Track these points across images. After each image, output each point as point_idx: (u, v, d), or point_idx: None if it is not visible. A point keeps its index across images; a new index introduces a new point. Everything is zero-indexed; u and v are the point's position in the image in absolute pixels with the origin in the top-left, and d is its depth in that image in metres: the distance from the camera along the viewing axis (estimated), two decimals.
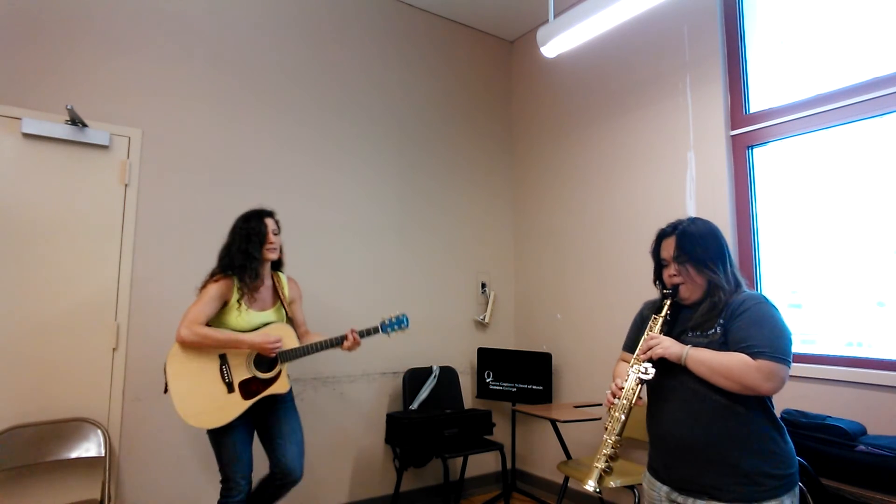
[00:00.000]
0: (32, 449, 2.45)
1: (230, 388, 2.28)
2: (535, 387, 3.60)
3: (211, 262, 2.99)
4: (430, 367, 3.62)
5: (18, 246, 2.55)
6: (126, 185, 2.81)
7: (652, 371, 1.54)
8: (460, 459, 3.72)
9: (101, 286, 2.72)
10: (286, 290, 2.52)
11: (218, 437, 2.33)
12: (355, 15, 3.66)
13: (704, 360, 1.49)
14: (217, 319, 2.34)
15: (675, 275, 1.64)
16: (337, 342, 2.42)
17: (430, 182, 3.87)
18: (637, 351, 1.62)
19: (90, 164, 2.73)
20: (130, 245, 2.80)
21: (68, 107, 2.55)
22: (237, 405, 2.28)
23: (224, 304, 2.33)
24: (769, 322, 1.48)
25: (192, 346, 2.25)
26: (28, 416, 2.51)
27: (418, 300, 3.73)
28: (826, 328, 2.56)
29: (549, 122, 4.01)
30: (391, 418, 3.27)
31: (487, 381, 3.72)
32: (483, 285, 4.05)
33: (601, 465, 1.53)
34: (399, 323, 2.58)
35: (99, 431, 2.59)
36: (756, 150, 2.86)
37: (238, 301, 2.32)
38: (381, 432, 3.46)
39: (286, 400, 2.47)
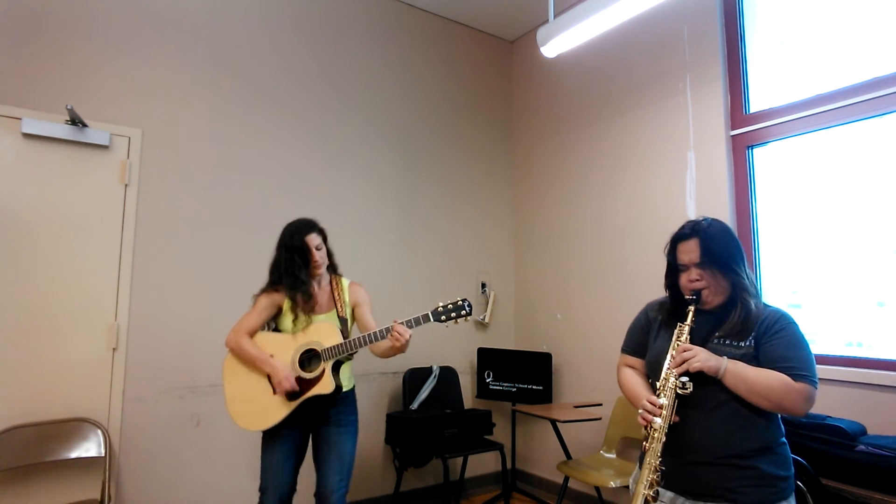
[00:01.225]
0: (32, 449, 2.45)
1: (274, 390, 2.24)
2: (535, 387, 3.60)
3: (211, 262, 3.02)
4: (430, 367, 3.62)
5: (18, 246, 2.55)
6: (126, 185, 2.81)
7: (690, 385, 1.47)
8: (460, 459, 3.72)
9: (101, 286, 2.72)
10: (346, 295, 2.45)
11: (265, 443, 2.30)
12: (355, 15, 3.65)
13: (745, 377, 1.45)
14: (278, 323, 2.38)
15: (697, 279, 1.56)
16: (381, 335, 2.22)
17: (430, 182, 3.87)
18: (669, 364, 1.53)
19: (90, 164, 2.73)
20: (130, 245, 2.80)
21: (68, 107, 2.55)
22: (281, 407, 2.22)
23: (279, 311, 2.35)
24: (805, 345, 1.48)
25: (233, 354, 2.31)
26: (28, 416, 2.51)
27: (418, 300, 3.73)
28: (826, 328, 2.56)
29: (549, 122, 4.01)
30: (391, 418, 3.27)
31: (487, 381, 3.72)
32: (483, 285, 4.05)
33: (649, 491, 1.43)
34: (458, 310, 2.20)
35: (99, 431, 2.59)
36: (756, 150, 2.86)
37: (292, 309, 2.32)
38: (381, 432, 3.46)
39: (343, 423, 2.34)
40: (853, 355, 2.44)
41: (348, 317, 2.43)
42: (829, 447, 2.09)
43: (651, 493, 1.43)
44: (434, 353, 3.75)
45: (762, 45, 2.89)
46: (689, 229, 1.60)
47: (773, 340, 1.48)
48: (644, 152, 3.31)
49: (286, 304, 2.33)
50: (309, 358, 2.28)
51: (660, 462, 1.44)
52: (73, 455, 2.52)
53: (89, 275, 2.69)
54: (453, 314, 2.20)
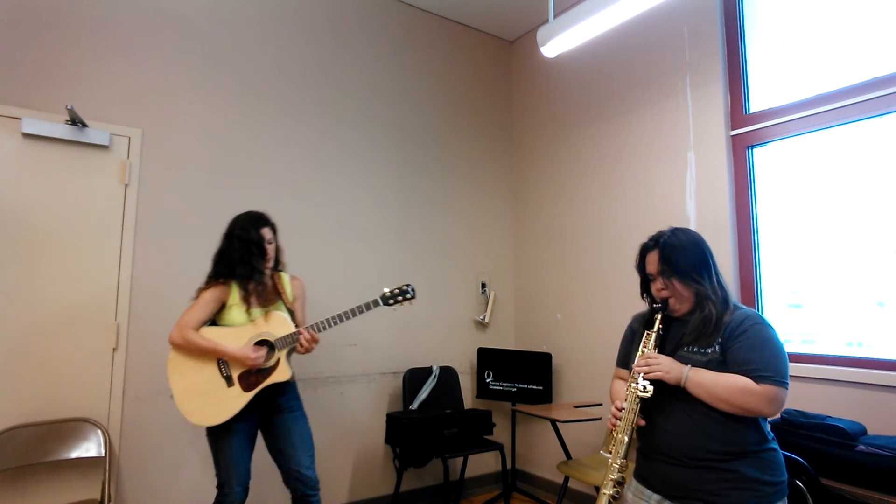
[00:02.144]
0: (32, 449, 2.45)
1: (229, 382, 2.26)
2: (535, 387, 3.60)
3: (210, 262, 3.01)
4: (430, 367, 3.62)
5: (18, 246, 2.55)
6: (126, 185, 2.81)
7: (650, 389, 1.52)
8: (460, 459, 3.72)
9: (101, 286, 2.72)
10: (288, 289, 2.51)
11: (217, 438, 2.30)
12: (355, 15, 3.66)
13: (704, 384, 1.48)
14: (220, 318, 2.37)
15: (662, 288, 1.62)
16: (333, 322, 2.37)
17: (430, 182, 3.87)
18: (634, 368, 1.59)
19: (90, 164, 2.73)
20: (130, 245, 2.80)
21: (68, 107, 2.55)
22: (238, 398, 2.25)
23: (223, 306, 2.35)
24: (770, 344, 1.49)
25: (180, 349, 2.27)
26: (28, 416, 2.51)
27: (418, 300, 3.72)
28: (826, 328, 2.56)
29: (549, 122, 4.01)
30: (391, 418, 3.27)
31: (487, 381, 3.72)
32: (483, 285, 4.05)
33: (609, 490, 1.50)
34: (403, 294, 2.47)
35: (99, 431, 2.59)
36: (756, 150, 2.86)
37: (238, 302, 2.34)
38: (381, 432, 3.46)
39: (294, 408, 2.42)
40: (853, 355, 2.43)
41: (295, 308, 2.49)
42: (829, 447, 2.09)
43: (613, 493, 1.49)
44: (434, 353, 3.75)
45: (762, 45, 2.89)
46: (652, 240, 1.68)
47: (737, 343, 1.50)
48: (644, 152, 3.31)
49: (232, 298, 2.33)
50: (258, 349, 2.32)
51: (622, 464, 1.50)
52: (73, 455, 2.52)
53: (89, 275, 2.69)
54: (399, 297, 2.46)
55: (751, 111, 2.88)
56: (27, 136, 2.59)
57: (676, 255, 1.60)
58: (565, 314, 3.76)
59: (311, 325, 2.36)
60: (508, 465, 3.82)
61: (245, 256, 2.34)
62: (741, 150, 2.88)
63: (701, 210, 2.97)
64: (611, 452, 1.53)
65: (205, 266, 2.99)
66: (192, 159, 3.02)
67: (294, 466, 2.33)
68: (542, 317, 3.94)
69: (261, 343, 2.31)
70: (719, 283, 1.61)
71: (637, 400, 1.54)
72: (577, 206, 3.73)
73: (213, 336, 2.29)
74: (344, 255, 3.46)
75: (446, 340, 3.82)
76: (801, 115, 2.65)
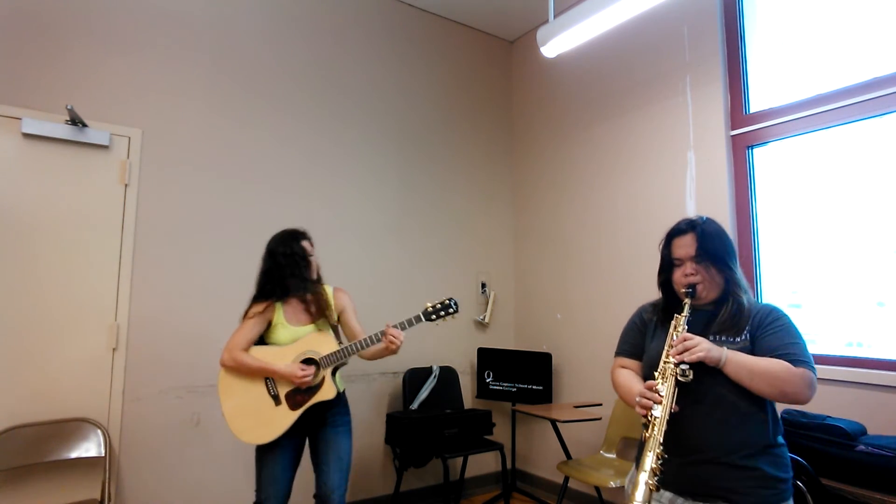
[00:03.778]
0: (32, 449, 2.45)
1: (277, 401, 2.27)
2: (535, 387, 3.60)
3: (211, 261, 3.01)
4: (430, 367, 3.62)
5: (18, 246, 2.55)
6: (126, 185, 2.81)
7: (690, 373, 1.44)
8: (460, 459, 3.72)
9: (101, 286, 2.72)
10: (332, 301, 2.47)
11: (262, 454, 2.30)
12: (355, 15, 3.66)
13: (746, 363, 1.43)
14: (267, 336, 2.38)
15: (692, 273, 1.57)
16: (376, 339, 2.31)
17: (430, 182, 3.87)
18: (668, 351, 1.50)
19: (90, 164, 2.73)
20: (130, 245, 2.80)
21: (68, 107, 2.55)
22: (286, 417, 2.26)
23: (269, 325, 2.36)
24: (799, 335, 1.50)
25: (231, 371, 2.29)
26: (28, 416, 2.51)
27: (418, 300, 3.73)
28: (826, 328, 2.56)
29: (549, 122, 4.01)
30: (391, 418, 3.27)
31: (487, 381, 3.72)
32: (483, 285, 4.05)
33: (651, 480, 1.33)
34: (446, 308, 2.36)
35: (99, 431, 2.59)
36: (756, 150, 2.86)
37: (283, 321, 2.35)
38: (381, 432, 3.46)
39: (338, 424, 2.39)
40: (853, 355, 2.43)
41: (337, 324, 2.48)
42: (829, 447, 2.09)
43: (654, 483, 1.33)
44: (434, 353, 3.75)
45: (762, 45, 2.89)
46: (685, 224, 1.63)
47: (769, 331, 1.48)
48: (644, 152, 3.31)
49: (277, 317, 2.35)
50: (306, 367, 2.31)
51: (661, 450, 1.36)
52: (73, 455, 2.52)
53: (89, 275, 2.69)
54: (441, 313, 2.36)
55: (751, 111, 2.88)
56: (27, 136, 2.59)
57: (713, 241, 1.57)
58: (565, 314, 3.76)
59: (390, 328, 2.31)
60: (508, 465, 3.82)
61: (295, 271, 2.35)
62: (741, 150, 2.88)
63: (701, 210, 2.97)
64: (646, 438, 1.39)
65: (204, 265, 3.01)
66: (192, 159, 3.02)
67: (324, 485, 2.31)
68: (542, 317, 3.94)
69: (306, 361, 2.30)
70: (740, 273, 1.61)
71: (675, 384, 1.44)
72: (577, 206, 3.73)
73: (260, 355, 2.30)
74: (344, 254, 3.46)
75: (446, 340, 3.82)
76: (801, 115, 2.65)
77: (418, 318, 2.35)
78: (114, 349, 2.72)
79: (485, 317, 3.98)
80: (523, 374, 3.64)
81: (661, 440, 1.37)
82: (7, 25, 2.61)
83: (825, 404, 2.40)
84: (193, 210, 2.99)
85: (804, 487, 1.95)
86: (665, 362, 1.49)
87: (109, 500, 2.50)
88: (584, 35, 2.84)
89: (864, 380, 2.33)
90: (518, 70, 4.34)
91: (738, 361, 1.45)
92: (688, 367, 1.44)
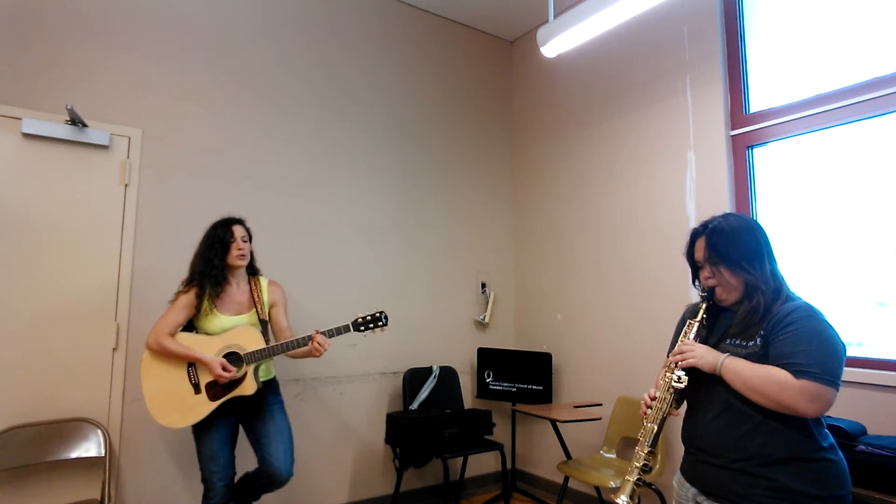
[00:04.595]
0: (32, 449, 2.45)
1: (197, 390, 2.32)
2: (535, 387, 3.60)
3: None
4: (430, 367, 3.62)
5: (18, 246, 2.55)
6: (126, 185, 2.81)
7: (685, 379, 1.45)
8: (460, 459, 3.72)
9: (101, 286, 2.72)
10: (265, 295, 2.52)
11: (198, 434, 2.36)
12: (355, 15, 3.66)
13: (741, 372, 1.39)
14: (195, 322, 2.42)
15: (709, 277, 1.54)
16: (302, 342, 2.34)
17: (430, 182, 3.87)
18: (670, 358, 1.53)
19: (90, 164, 2.73)
20: (130, 245, 2.80)
21: (68, 107, 2.55)
22: (203, 406, 2.30)
23: (198, 310, 2.39)
24: (819, 339, 1.38)
25: (155, 354, 2.34)
26: (28, 416, 2.51)
27: (418, 300, 3.73)
28: None
29: (549, 122, 4.01)
30: (391, 418, 3.27)
31: (487, 381, 3.72)
32: (483, 285, 4.05)
33: (633, 477, 1.44)
34: (376, 321, 2.40)
35: (99, 431, 2.59)
36: (756, 150, 2.86)
37: (209, 307, 2.37)
38: (381, 432, 3.46)
39: (271, 403, 2.48)
40: (853, 355, 2.43)
41: (268, 318, 2.52)
42: None
43: (636, 480, 1.44)
44: (434, 353, 3.75)
45: (762, 45, 2.89)
46: (702, 226, 1.59)
47: (780, 337, 1.40)
48: (644, 152, 3.31)
49: (207, 305, 2.37)
50: (230, 360, 2.34)
51: (648, 453, 1.46)
52: (73, 455, 2.52)
53: (89, 275, 2.69)
54: (371, 325, 2.40)
55: (751, 111, 2.88)
56: (27, 136, 2.59)
57: (725, 242, 1.50)
58: (565, 314, 3.76)
59: (302, 337, 2.37)
60: (508, 465, 3.82)
61: (206, 252, 2.39)
62: (741, 150, 2.88)
63: (701, 210, 2.97)
64: (640, 441, 1.50)
65: None
66: (192, 159, 3.02)
67: (269, 458, 2.37)
68: (542, 317, 3.94)
69: (230, 355, 2.34)
70: (773, 272, 1.51)
71: (670, 389, 1.48)
72: (577, 206, 3.73)
73: (186, 342, 2.34)
74: (344, 254, 3.46)
75: (446, 340, 3.82)
76: (801, 115, 2.65)
77: (347, 328, 2.39)
78: (114, 349, 2.72)
79: (485, 317, 3.98)
80: (523, 374, 3.64)
81: (650, 443, 1.46)
82: (7, 25, 2.61)
83: None
84: (193, 210, 2.99)
85: None
86: (665, 366, 1.53)
87: (109, 500, 2.50)
88: (584, 35, 2.84)
89: (864, 380, 2.32)
90: (518, 70, 4.34)
91: (733, 369, 1.41)
92: (683, 373, 1.47)
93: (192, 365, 2.34)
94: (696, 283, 1.62)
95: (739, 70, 2.92)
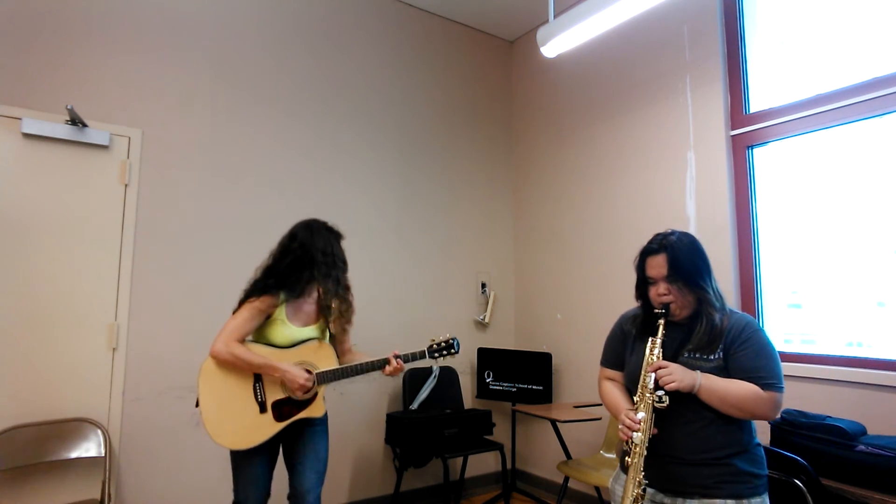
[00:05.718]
0: (32, 449, 2.45)
1: (262, 409, 2.12)
2: (535, 387, 3.60)
3: (211, 261, 3.01)
4: (430, 367, 3.62)
5: (18, 246, 2.55)
6: (126, 185, 2.81)
7: (667, 399, 1.51)
8: (460, 459, 3.72)
9: (101, 286, 2.72)
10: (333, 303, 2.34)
11: (238, 454, 2.17)
12: (355, 15, 3.65)
13: (717, 391, 1.52)
14: (259, 332, 2.22)
15: (664, 293, 1.61)
16: (378, 365, 2.26)
17: (430, 182, 3.87)
18: (645, 377, 1.56)
19: (90, 164, 2.73)
20: (130, 245, 2.80)
21: (68, 107, 2.55)
22: (269, 427, 2.12)
23: (267, 318, 2.21)
24: (769, 351, 1.55)
25: (225, 364, 2.12)
26: (28, 416, 2.51)
27: (418, 300, 3.73)
28: (826, 328, 2.56)
29: (549, 122, 4.01)
30: (391, 418, 3.27)
31: (487, 381, 3.72)
32: (483, 285, 4.05)
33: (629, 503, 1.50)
34: (449, 348, 2.36)
35: (99, 431, 2.59)
36: (756, 150, 2.86)
37: (284, 318, 2.20)
38: (381, 432, 3.46)
39: (315, 423, 2.27)
40: (853, 355, 2.43)
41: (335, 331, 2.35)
42: (829, 447, 2.09)
43: None
44: None
45: (762, 45, 2.89)
46: (657, 244, 1.65)
47: (741, 351, 1.54)
48: (644, 152, 3.31)
49: (278, 312, 2.19)
50: None
51: (643, 476, 1.50)
52: (73, 455, 2.52)
53: (89, 275, 2.69)
54: (444, 352, 2.37)
55: (751, 111, 2.88)
56: (27, 136, 2.59)
57: (684, 260, 1.60)
58: (565, 314, 3.76)
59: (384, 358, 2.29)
60: (508, 465, 3.82)
61: (333, 272, 2.23)
62: (741, 150, 2.88)
63: (701, 210, 2.97)
64: (627, 465, 1.53)
65: (204, 265, 3.00)
66: (192, 159, 3.02)
67: (299, 484, 2.21)
68: (542, 317, 3.94)
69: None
70: (715, 287, 1.63)
71: (653, 410, 1.54)
72: (577, 206, 3.73)
73: (259, 353, 2.14)
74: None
75: None
76: (801, 115, 2.65)
77: (423, 354, 2.35)
78: (114, 349, 2.72)
79: (485, 317, 3.98)
80: (523, 374, 3.64)
81: (642, 466, 1.50)
82: (7, 25, 2.61)
83: (825, 404, 2.40)
84: (193, 210, 2.99)
85: (804, 487, 1.95)
86: (643, 387, 1.56)
87: (109, 500, 2.50)
88: (584, 35, 2.84)
89: (864, 380, 2.32)
90: (518, 70, 4.34)
91: (710, 389, 1.52)
92: (664, 393, 1.52)
93: (260, 381, 2.14)
94: (640, 298, 1.70)
95: (739, 70, 2.92)
